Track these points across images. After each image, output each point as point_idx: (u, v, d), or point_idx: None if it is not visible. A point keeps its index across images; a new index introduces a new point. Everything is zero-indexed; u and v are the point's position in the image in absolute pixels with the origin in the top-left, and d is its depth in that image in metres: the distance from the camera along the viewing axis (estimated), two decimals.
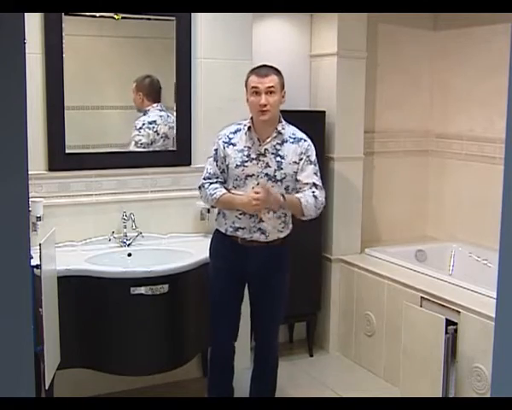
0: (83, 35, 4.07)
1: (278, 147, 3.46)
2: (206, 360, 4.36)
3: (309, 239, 4.67)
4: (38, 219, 3.68)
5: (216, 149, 3.52)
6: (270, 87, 3.40)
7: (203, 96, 4.23)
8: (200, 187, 3.56)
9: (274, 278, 3.53)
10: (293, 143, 3.47)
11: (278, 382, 4.32)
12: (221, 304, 3.57)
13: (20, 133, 1.15)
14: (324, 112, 4.70)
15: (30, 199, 3.49)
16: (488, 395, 3.26)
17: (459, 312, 3.76)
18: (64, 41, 3.80)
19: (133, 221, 4.01)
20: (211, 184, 3.50)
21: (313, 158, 3.51)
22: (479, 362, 3.61)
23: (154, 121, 4.22)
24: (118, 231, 4.02)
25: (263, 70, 3.46)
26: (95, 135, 4.18)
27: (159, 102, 4.25)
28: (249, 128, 3.47)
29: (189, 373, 4.27)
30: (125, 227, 3.99)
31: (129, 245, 4.00)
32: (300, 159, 3.47)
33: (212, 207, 3.67)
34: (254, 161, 3.43)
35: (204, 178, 3.54)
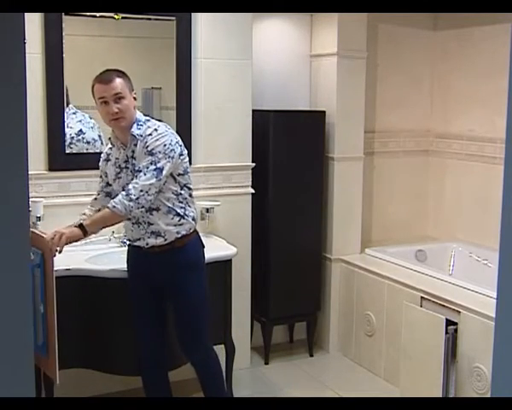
0: (83, 35, 4.07)
1: (134, 150, 3.24)
2: None
3: (309, 239, 4.68)
4: (38, 219, 3.68)
5: (100, 166, 3.44)
6: (116, 94, 3.17)
7: (203, 96, 4.23)
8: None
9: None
10: (141, 141, 3.21)
11: (278, 382, 4.33)
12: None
13: (21, 133, 1.15)
14: (324, 112, 4.70)
15: (30, 199, 3.49)
16: (488, 395, 3.26)
17: (459, 312, 3.76)
18: (64, 41, 3.80)
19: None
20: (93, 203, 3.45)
21: (151, 148, 3.17)
22: (479, 362, 3.60)
23: (80, 130, 4.04)
24: (118, 231, 4.01)
25: (106, 76, 3.20)
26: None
27: (67, 104, 3.98)
28: (113, 141, 3.31)
29: (190, 373, 4.26)
30: None
31: None
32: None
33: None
34: (124, 170, 3.28)
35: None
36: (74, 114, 4.02)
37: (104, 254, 3.86)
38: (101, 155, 3.44)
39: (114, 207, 3.11)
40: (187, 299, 3.41)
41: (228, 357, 4.03)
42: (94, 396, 4.01)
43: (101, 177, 3.44)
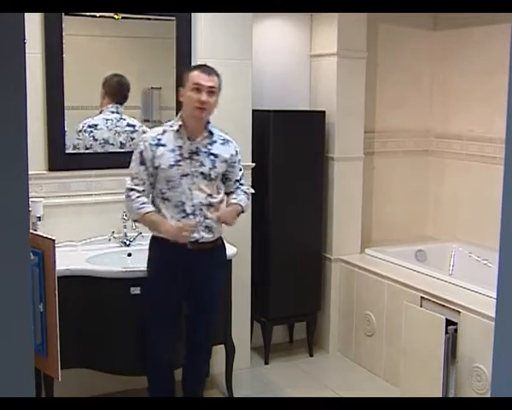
0: (83, 35, 4.07)
1: (209, 146, 3.42)
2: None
3: (309, 239, 4.68)
4: (38, 219, 3.68)
5: (141, 152, 3.36)
6: (211, 87, 3.34)
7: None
8: (127, 195, 3.38)
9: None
10: (222, 144, 3.46)
11: (278, 382, 4.33)
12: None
13: (20, 133, 1.15)
14: (324, 112, 4.70)
15: (30, 199, 3.49)
16: (488, 395, 3.26)
17: (459, 312, 3.76)
18: (64, 41, 3.80)
19: (133, 221, 4.01)
20: (139, 196, 3.35)
21: (240, 158, 3.59)
22: (479, 362, 3.60)
23: (95, 125, 4.06)
24: (118, 231, 4.02)
25: (207, 69, 3.39)
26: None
27: (120, 103, 4.12)
28: (179, 128, 3.38)
29: None
30: (125, 227, 3.99)
31: (129, 245, 4.00)
32: (231, 160, 3.49)
33: (134, 220, 3.51)
34: (187, 160, 3.36)
35: (130, 187, 3.37)
36: (113, 112, 4.09)
37: (104, 255, 3.87)
38: (147, 141, 3.36)
39: (243, 205, 3.57)
40: (216, 299, 3.54)
41: (228, 357, 4.04)
42: (94, 396, 4.01)
43: (143, 164, 3.37)
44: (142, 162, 3.36)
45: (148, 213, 3.33)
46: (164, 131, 3.39)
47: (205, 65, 3.44)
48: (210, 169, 3.40)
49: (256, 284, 4.54)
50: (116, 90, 4.14)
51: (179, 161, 3.34)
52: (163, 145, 3.35)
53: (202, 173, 3.38)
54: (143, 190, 3.36)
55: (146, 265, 3.48)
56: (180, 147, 3.36)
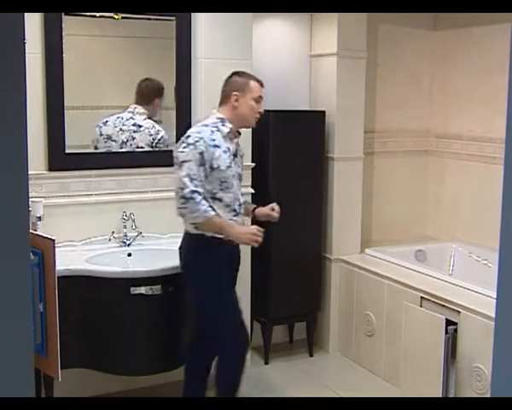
0: (83, 35, 4.07)
1: (240, 148, 3.66)
2: None
3: (309, 239, 4.68)
4: (38, 219, 3.68)
5: (202, 153, 3.33)
6: (262, 97, 3.59)
7: (203, 95, 4.22)
8: (190, 197, 3.28)
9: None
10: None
11: (278, 382, 4.33)
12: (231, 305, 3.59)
13: (20, 133, 1.15)
14: (324, 112, 4.70)
15: (30, 199, 3.49)
16: (488, 395, 3.26)
17: (459, 312, 3.76)
18: (64, 41, 3.80)
19: (133, 221, 4.01)
20: (202, 199, 3.30)
21: None
22: (479, 362, 3.60)
23: (106, 121, 4.12)
24: (118, 231, 4.02)
25: (260, 81, 3.59)
26: (95, 135, 4.18)
27: (144, 104, 4.18)
28: (229, 130, 3.49)
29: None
30: (125, 227, 3.99)
31: (129, 245, 4.00)
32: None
33: (194, 223, 3.38)
34: (233, 161, 3.51)
35: (194, 189, 3.28)
36: (129, 112, 4.16)
37: (104, 254, 3.87)
38: (206, 142, 3.36)
39: None
40: None
41: None
42: (94, 396, 4.01)
43: (203, 165, 3.34)
44: (202, 163, 3.34)
45: (214, 215, 3.36)
46: (212, 132, 3.42)
47: (252, 75, 3.65)
48: (242, 169, 3.65)
49: (256, 284, 4.54)
50: (140, 93, 4.20)
51: (231, 162, 3.46)
52: (218, 146, 3.40)
53: (239, 174, 3.58)
54: (203, 192, 3.34)
55: (190, 263, 3.50)
56: (229, 148, 3.47)
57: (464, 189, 5.04)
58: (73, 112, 3.97)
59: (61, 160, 3.87)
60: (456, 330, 3.75)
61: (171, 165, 4.18)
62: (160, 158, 4.18)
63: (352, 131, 4.80)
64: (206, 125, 3.45)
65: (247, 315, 4.49)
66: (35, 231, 3.55)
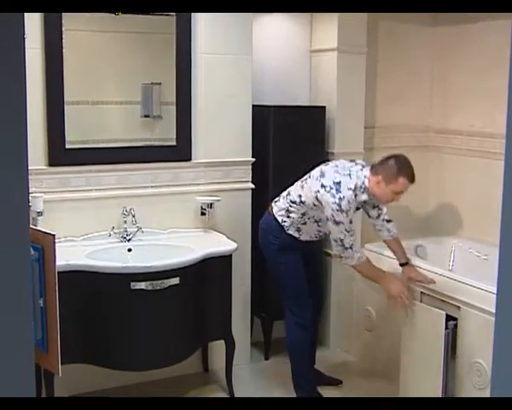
0: (82, 30, 4.07)
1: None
2: (207, 355, 4.38)
3: None
4: (39, 214, 3.68)
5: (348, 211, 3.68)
6: None
7: (203, 91, 4.22)
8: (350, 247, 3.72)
9: None
10: None
11: (279, 377, 4.34)
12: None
13: (20, 128, 1.15)
14: (324, 107, 4.70)
15: (30, 194, 3.49)
16: (488, 391, 3.27)
17: (459, 307, 3.76)
18: (64, 36, 3.79)
19: (133, 216, 4.01)
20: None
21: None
22: (479, 357, 3.61)
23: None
24: (118, 227, 4.02)
25: (413, 175, 3.77)
26: (95, 130, 4.19)
27: None
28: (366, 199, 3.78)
29: (190, 368, 4.28)
30: (126, 222, 4.00)
31: (129, 240, 4.00)
32: None
33: (355, 267, 3.85)
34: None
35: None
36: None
37: (104, 250, 3.87)
38: (357, 201, 3.73)
39: None
40: None
41: (228, 352, 4.05)
42: (94, 391, 4.01)
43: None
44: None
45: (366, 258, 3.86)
46: (355, 195, 3.68)
47: (413, 171, 3.78)
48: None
49: (256, 280, 4.54)
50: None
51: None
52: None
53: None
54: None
55: (273, 250, 3.88)
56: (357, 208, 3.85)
57: (464, 184, 5.04)
58: (73, 107, 3.97)
59: (61, 155, 3.87)
60: (456, 326, 3.75)
61: (171, 160, 4.20)
62: (160, 153, 4.19)
63: (353, 126, 4.80)
64: (355, 189, 3.66)
65: (246, 311, 4.51)
66: (35, 226, 3.54)
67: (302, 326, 3.88)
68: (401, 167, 3.71)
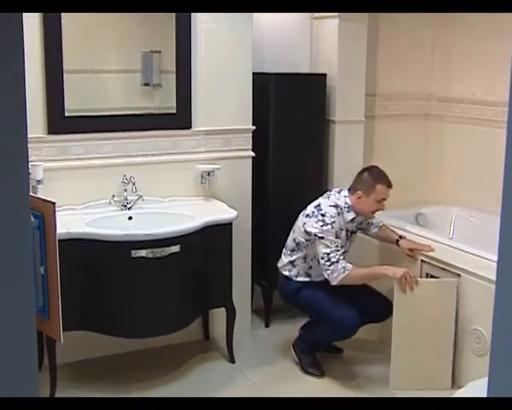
0: None
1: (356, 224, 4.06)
2: (208, 323, 4.40)
3: (309, 203, 4.67)
4: (39, 182, 3.68)
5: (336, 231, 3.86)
6: None
7: (203, 59, 4.19)
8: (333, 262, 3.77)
9: None
10: None
11: (279, 344, 4.36)
12: None
13: (19, 96, 1.14)
14: (325, 75, 4.67)
15: (30, 163, 3.48)
16: (487, 358, 3.29)
17: (459, 275, 3.77)
18: None
19: (133, 185, 4.01)
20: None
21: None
22: (478, 324, 3.63)
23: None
24: (118, 195, 4.02)
25: (389, 180, 3.87)
26: (94, 99, 4.16)
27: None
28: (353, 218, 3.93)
29: (191, 336, 4.30)
30: (126, 191, 4.00)
31: (129, 208, 4.00)
32: None
33: (345, 279, 3.79)
34: (349, 239, 4.03)
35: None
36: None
37: (105, 218, 3.87)
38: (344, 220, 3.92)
39: None
40: None
41: (229, 320, 4.07)
42: (95, 358, 4.05)
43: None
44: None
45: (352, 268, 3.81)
46: (338, 214, 3.87)
47: (388, 177, 3.87)
48: (352, 242, 4.13)
49: (256, 248, 4.55)
50: None
51: (347, 240, 4.02)
52: (342, 229, 3.91)
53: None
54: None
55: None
56: (347, 229, 3.97)
57: (465, 152, 5.03)
58: (73, 76, 3.95)
59: (60, 123, 3.86)
60: (456, 293, 3.76)
61: (172, 128, 4.19)
62: (160, 121, 4.17)
63: (353, 94, 4.77)
64: (336, 206, 3.86)
65: (247, 279, 4.53)
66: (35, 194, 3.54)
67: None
68: (376, 177, 3.88)
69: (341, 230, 3.87)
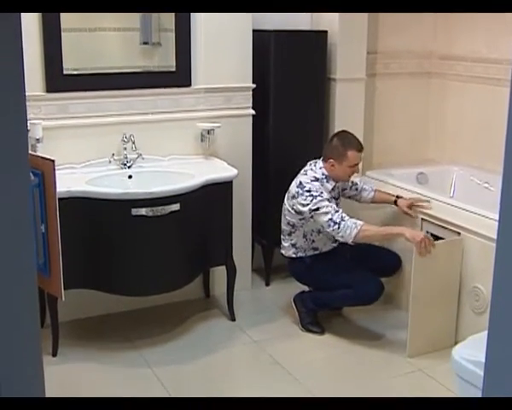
0: None
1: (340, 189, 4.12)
2: (208, 281, 4.43)
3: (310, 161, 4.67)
4: (38, 141, 3.66)
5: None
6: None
7: (203, 16, 4.14)
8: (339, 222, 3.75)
9: None
10: None
11: (279, 303, 4.39)
12: None
13: (16, 53, 1.13)
14: (326, 32, 4.62)
15: (28, 121, 3.46)
16: (486, 315, 3.31)
17: (459, 233, 3.78)
18: None
19: (133, 143, 3.99)
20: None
21: None
22: (477, 282, 3.65)
23: None
24: (118, 153, 4.01)
25: (359, 144, 3.89)
26: (93, 57, 4.12)
27: None
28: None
29: (192, 294, 4.33)
30: (126, 149, 3.98)
31: (129, 167, 4.00)
32: None
33: (360, 234, 3.75)
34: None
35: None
36: None
37: (104, 177, 3.87)
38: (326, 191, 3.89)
39: None
40: None
41: (229, 278, 4.09)
42: (96, 316, 4.07)
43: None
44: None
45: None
46: (321, 185, 3.88)
47: (354, 137, 3.91)
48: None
49: (256, 207, 4.55)
50: None
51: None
52: (327, 199, 3.85)
53: None
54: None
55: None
56: (333, 197, 4.00)
57: (467, 111, 5.00)
58: (71, 34, 3.90)
59: (59, 81, 3.83)
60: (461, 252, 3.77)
61: (172, 86, 4.16)
62: (159, 79, 4.14)
63: (355, 51, 4.72)
64: (317, 179, 3.87)
65: (247, 237, 4.54)
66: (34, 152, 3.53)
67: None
68: (346, 143, 3.88)
69: (328, 199, 3.86)
